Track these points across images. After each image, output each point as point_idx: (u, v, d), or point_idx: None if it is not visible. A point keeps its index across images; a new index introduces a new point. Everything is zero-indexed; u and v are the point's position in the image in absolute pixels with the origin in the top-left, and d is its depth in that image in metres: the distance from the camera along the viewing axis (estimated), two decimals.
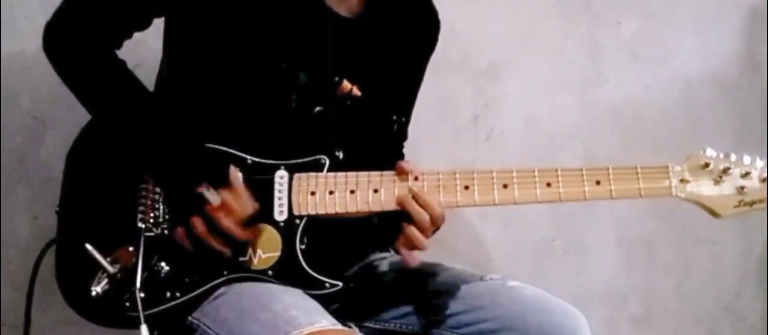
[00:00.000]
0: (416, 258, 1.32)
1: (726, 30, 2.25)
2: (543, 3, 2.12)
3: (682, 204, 1.30)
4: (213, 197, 1.29)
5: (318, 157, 1.35)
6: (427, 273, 1.49)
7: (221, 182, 1.30)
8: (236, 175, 1.32)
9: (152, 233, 1.33)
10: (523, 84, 2.13)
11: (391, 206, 1.32)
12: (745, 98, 2.26)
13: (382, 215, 1.34)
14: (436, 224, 1.32)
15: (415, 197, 1.30)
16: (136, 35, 1.41)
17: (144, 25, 1.40)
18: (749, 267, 2.35)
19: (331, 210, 1.32)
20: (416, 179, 1.33)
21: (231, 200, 1.29)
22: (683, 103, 2.23)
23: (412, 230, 1.29)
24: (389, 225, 1.34)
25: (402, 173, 1.32)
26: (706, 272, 2.32)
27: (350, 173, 1.33)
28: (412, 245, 1.30)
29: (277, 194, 1.34)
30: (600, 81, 2.17)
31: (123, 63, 1.37)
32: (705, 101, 2.24)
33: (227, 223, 1.29)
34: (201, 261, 1.32)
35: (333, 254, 1.38)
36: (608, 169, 1.30)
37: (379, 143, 1.45)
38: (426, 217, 1.29)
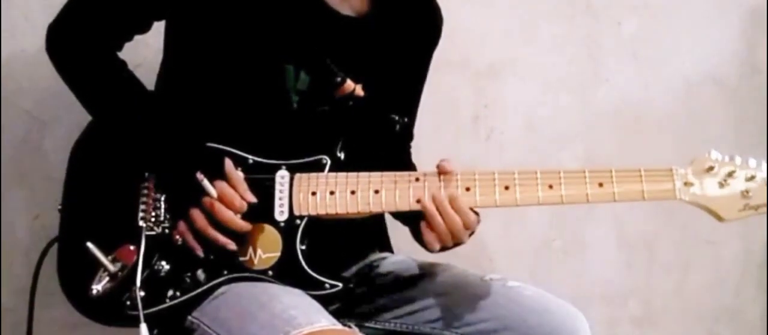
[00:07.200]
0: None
1: (726, 30, 2.24)
2: (543, 3, 2.12)
3: (683, 204, 1.29)
4: (209, 186, 1.29)
5: (319, 157, 1.35)
6: (427, 273, 1.49)
7: (217, 174, 1.31)
8: (231, 167, 1.32)
9: (153, 232, 1.34)
10: (523, 84, 2.12)
11: (392, 207, 1.32)
12: (745, 98, 2.26)
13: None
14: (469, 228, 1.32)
15: (451, 202, 1.30)
16: (137, 36, 1.42)
17: (144, 28, 1.42)
18: (749, 267, 2.34)
19: (331, 211, 1.32)
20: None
21: (228, 192, 1.30)
22: (683, 103, 2.22)
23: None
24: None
25: (444, 174, 1.31)
26: (706, 272, 2.31)
27: (351, 174, 1.33)
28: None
29: (277, 194, 1.34)
30: (600, 81, 2.17)
31: (123, 63, 1.39)
32: (705, 101, 2.23)
33: (226, 214, 1.29)
34: (203, 257, 1.32)
35: (333, 254, 1.38)
36: (611, 171, 1.29)
37: (381, 144, 1.45)
38: (442, 224, 1.29)
